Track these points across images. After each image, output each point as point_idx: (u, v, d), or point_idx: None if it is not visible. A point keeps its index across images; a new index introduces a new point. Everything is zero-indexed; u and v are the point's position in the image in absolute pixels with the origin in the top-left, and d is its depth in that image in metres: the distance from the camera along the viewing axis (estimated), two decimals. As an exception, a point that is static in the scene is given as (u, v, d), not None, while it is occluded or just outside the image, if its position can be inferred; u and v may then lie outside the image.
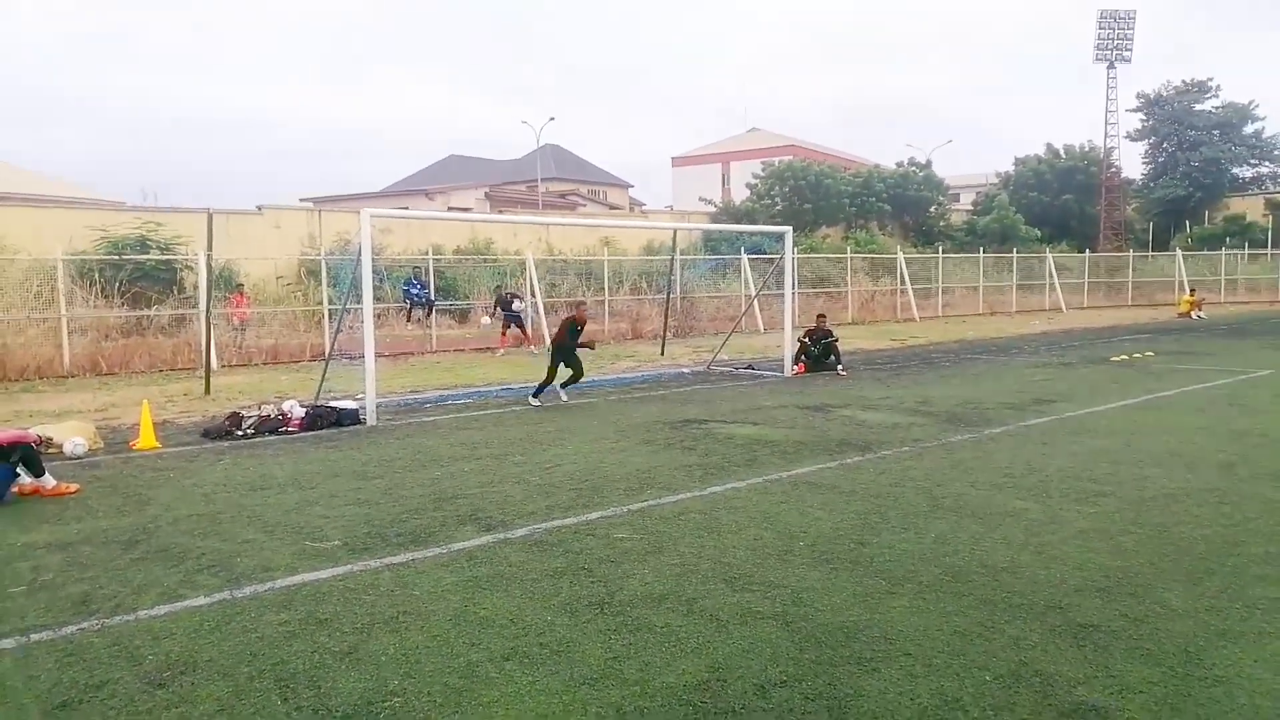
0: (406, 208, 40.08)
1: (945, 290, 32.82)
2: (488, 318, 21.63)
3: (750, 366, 16.09)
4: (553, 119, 61.95)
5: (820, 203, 45.09)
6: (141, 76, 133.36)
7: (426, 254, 23.17)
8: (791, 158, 51.77)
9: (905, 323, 28.74)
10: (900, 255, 31.71)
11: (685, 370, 15.97)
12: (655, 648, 4.06)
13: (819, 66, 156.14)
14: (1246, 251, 43.97)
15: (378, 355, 11.66)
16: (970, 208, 55.48)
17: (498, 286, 22.66)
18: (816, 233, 42.70)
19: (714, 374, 15.46)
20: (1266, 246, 46.06)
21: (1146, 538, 5.62)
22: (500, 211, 43.51)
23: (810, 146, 67.36)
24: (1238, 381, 13.31)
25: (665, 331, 20.05)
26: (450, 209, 41.49)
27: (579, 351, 12.36)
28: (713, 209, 48.56)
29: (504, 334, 20.18)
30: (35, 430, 8.41)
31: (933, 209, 50.78)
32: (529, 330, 20.63)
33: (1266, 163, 60.69)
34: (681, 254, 29.05)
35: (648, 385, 14.05)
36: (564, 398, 12.18)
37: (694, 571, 5.07)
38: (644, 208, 62.06)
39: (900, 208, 48.76)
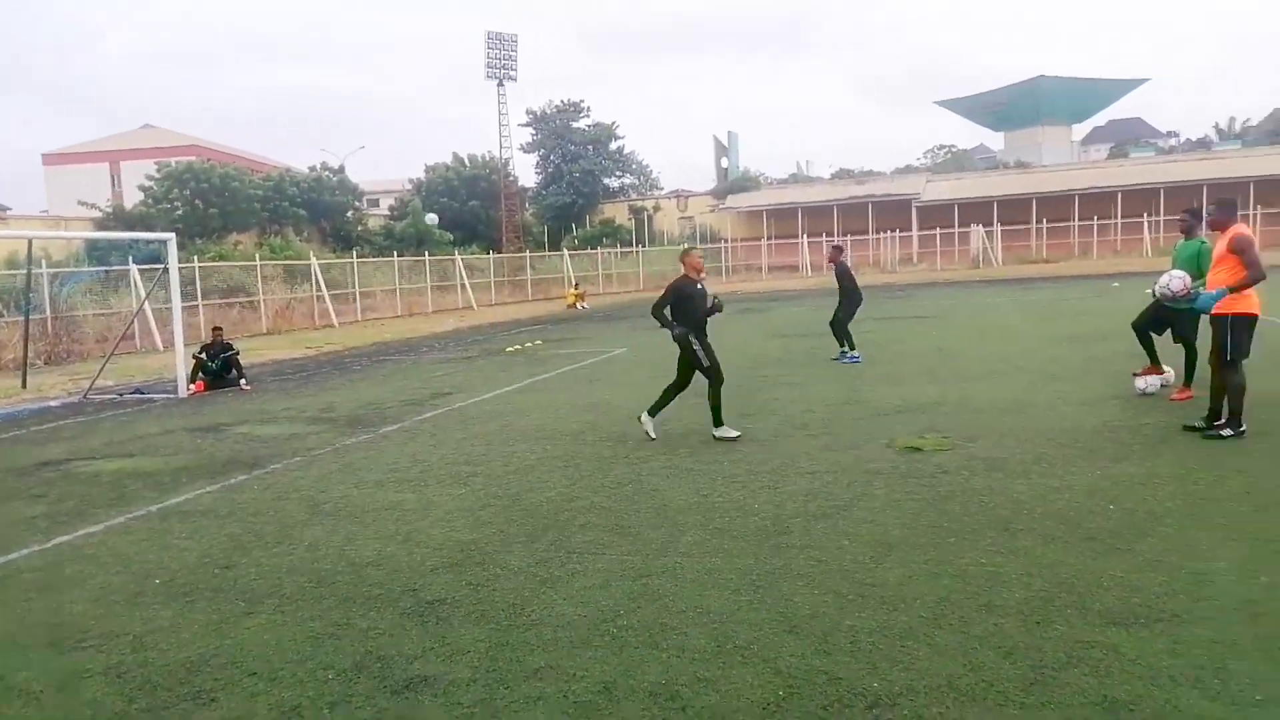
0: None
1: (365, 294, 33.16)
2: None
3: (139, 390, 14.40)
4: None
5: (229, 207, 42.33)
6: None
7: None
8: (194, 159, 47.61)
9: (324, 329, 28.38)
10: (314, 261, 31.19)
11: (53, 403, 13.66)
12: (-65, 747, 3.39)
13: (218, 64, 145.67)
14: (619, 250, 52.28)
15: None
16: (389, 213, 56.95)
17: None
18: (226, 239, 39.96)
19: (91, 403, 13.51)
20: (632, 245, 55.32)
21: (502, 508, 6.32)
22: None
23: (215, 147, 62.55)
24: (601, 360, 15.72)
25: (26, 360, 16.90)
26: None
27: None
28: (98, 214, 42.50)
29: None
30: None
31: (349, 214, 50.92)
32: None
33: (627, 174, 72.73)
34: (55, 267, 24.88)
35: (12, 421, 11.74)
36: None
37: (9, 645, 4.34)
38: (7, 213, 51.76)
39: (317, 212, 48.04)
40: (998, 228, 51.20)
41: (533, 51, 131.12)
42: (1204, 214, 8.24)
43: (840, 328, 13.61)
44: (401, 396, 12.39)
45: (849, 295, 13.77)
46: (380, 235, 49.84)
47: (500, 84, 60.19)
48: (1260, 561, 4.40)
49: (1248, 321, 6.98)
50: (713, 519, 5.70)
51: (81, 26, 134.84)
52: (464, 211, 57.09)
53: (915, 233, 55.70)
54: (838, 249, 14.71)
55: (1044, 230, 53.35)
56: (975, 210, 55.53)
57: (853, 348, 13.46)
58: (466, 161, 61.22)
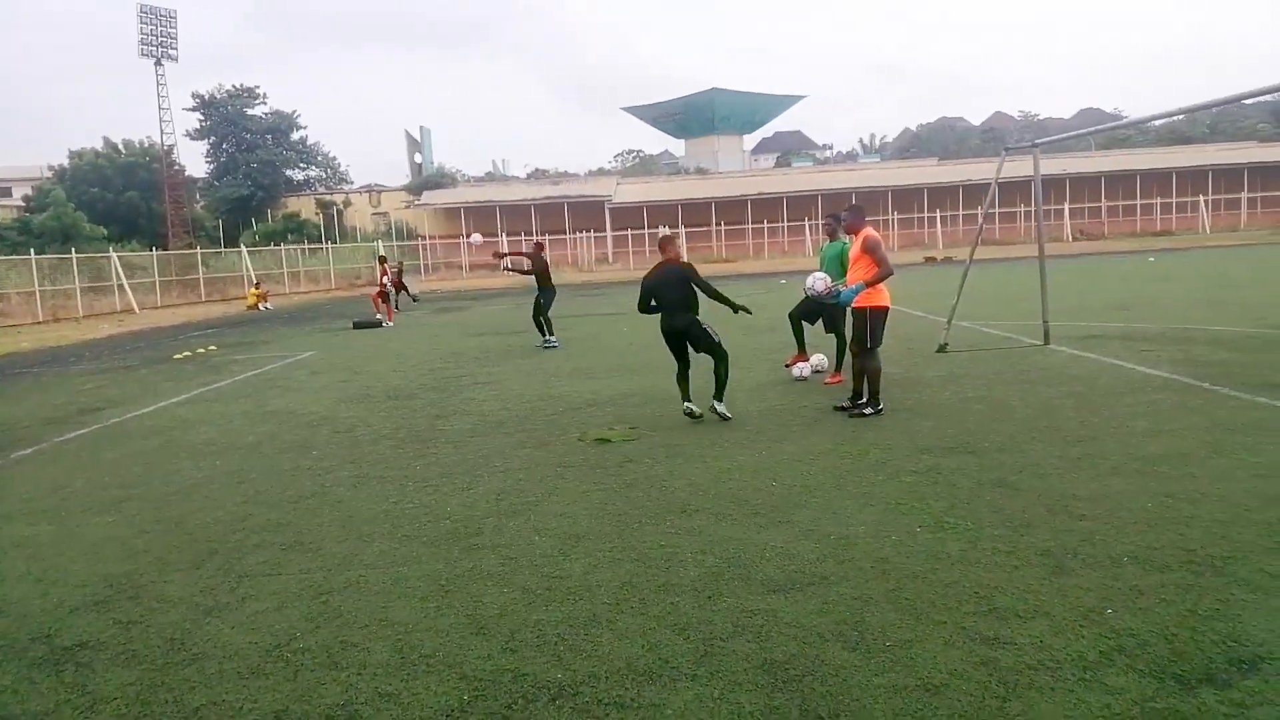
0: None
1: (-5, 298, 28.49)
2: None
3: None
4: None
5: None
6: None
7: None
8: None
9: (-60, 339, 23.97)
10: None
11: None
12: None
13: None
14: (307, 246, 49.23)
15: None
16: (22, 203, 49.35)
17: None
18: None
19: None
20: (320, 241, 52.35)
21: (162, 534, 5.67)
22: None
23: None
24: (285, 364, 14.69)
25: None
26: None
27: None
28: None
29: None
30: None
31: (-31, 204, 43.50)
32: None
33: (314, 167, 68.81)
34: None
35: None
36: None
37: None
38: None
39: (-77, 201, 40.45)
40: (682, 229, 54.70)
41: (194, 30, 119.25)
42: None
43: (542, 316, 14.83)
44: (40, 414, 10.76)
45: (546, 289, 14.92)
46: (14, 229, 43.02)
47: (158, 63, 54.43)
48: (890, 524, 5.04)
49: (882, 313, 7.99)
50: (401, 526, 5.51)
51: None
52: (120, 203, 50.90)
53: (610, 233, 58.01)
54: (539, 245, 15.54)
55: (723, 232, 57.87)
56: (662, 212, 59.00)
57: (552, 333, 14.86)
58: (121, 148, 54.61)
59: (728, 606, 4.01)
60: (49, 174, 54.96)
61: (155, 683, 3.65)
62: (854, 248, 8.09)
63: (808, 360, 10.27)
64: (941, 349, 11.43)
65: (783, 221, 58.84)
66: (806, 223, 56.61)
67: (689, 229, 55.59)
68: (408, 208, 65.25)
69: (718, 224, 57.99)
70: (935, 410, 8.00)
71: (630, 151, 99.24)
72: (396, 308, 25.15)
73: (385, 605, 4.28)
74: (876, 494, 5.61)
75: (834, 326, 9.90)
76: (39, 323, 28.50)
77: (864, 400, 8.01)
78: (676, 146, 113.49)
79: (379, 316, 21.84)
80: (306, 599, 4.44)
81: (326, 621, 4.16)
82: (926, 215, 58.84)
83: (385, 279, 22.77)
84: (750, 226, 59.15)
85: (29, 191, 51.89)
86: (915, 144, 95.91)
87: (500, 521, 5.48)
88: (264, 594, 4.55)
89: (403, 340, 17.98)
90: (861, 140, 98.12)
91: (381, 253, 31.34)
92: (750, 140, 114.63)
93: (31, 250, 32.33)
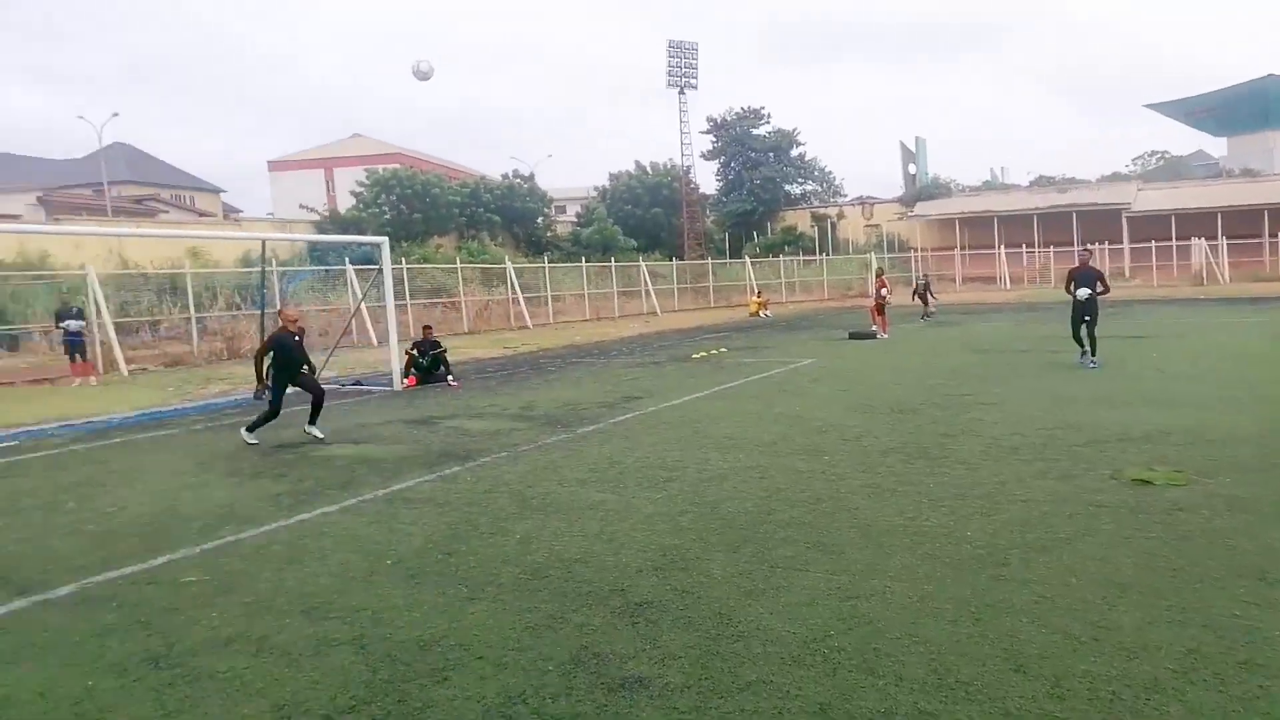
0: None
1: (555, 298, 34.42)
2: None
3: (358, 383, 15.59)
4: (116, 115, 54.73)
5: (430, 212, 45.03)
6: None
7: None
8: (398, 166, 51.04)
9: (519, 330, 29.68)
10: (510, 265, 32.68)
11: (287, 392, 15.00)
12: (215, 696, 3.80)
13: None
14: (801, 258, 51.63)
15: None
16: (575, 219, 58.82)
17: (63, 303, 19.37)
18: (429, 243, 42.55)
19: (318, 392, 14.73)
20: (815, 253, 54.48)
21: (700, 515, 6.38)
22: (57, 219, 37.63)
23: (416, 154, 66.81)
24: (788, 370, 15.57)
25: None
26: (-9, 216, 35.02)
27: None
28: (316, 217, 46.32)
29: (73, 361, 17.57)
30: None
31: (539, 220, 52.94)
32: (89, 356, 18.09)
33: (810, 181, 71.74)
34: (283, 265, 27.33)
35: (241, 410, 13.03)
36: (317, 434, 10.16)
37: (269, 608, 4.81)
38: (239, 215, 57.45)
39: (510, 218, 50.25)
40: (1223, 241, 46.70)
41: (712, 58, 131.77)
42: None
43: (1087, 332, 13.88)
44: (595, 398, 12.76)
45: (1090, 302, 13.98)
46: (569, 241, 51.58)
47: (681, 92, 60.88)
48: None
49: None
50: (921, 544, 5.51)
51: (295, 43, 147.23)
52: (647, 219, 58.09)
53: (1126, 245, 51.74)
54: (1087, 252, 15.47)
55: (1279, 245, 48.17)
56: (1195, 222, 50.86)
57: (1095, 352, 13.92)
58: (649, 169, 62.30)
59: (1337, 704, 3.35)
60: (594, 193, 64.80)
61: (711, 650, 4.11)
62: None
63: None
64: None
65: (1371, 233, 47.17)
66: None
67: (1231, 240, 47.27)
68: (900, 219, 64.93)
69: (1272, 235, 48.37)
70: None
71: (1153, 153, 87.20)
72: (924, 318, 25.52)
73: (914, 621, 4.32)
74: None
75: None
76: (586, 320, 33.81)
77: None
78: (1214, 146, 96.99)
79: (874, 328, 22.08)
80: (835, 600, 4.66)
81: (857, 625, 4.32)
82: None
83: (884, 290, 22.92)
84: (1321, 238, 48.39)
85: (579, 209, 61.93)
86: None
87: (1027, 555, 5.20)
88: (795, 587, 4.87)
89: (899, 353, 17.96)
90: None
91: (878, 265, 31.63)
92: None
93: (583, 259, 38.44)
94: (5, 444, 10.75)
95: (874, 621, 4.35)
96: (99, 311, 19.29)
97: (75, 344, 17.64)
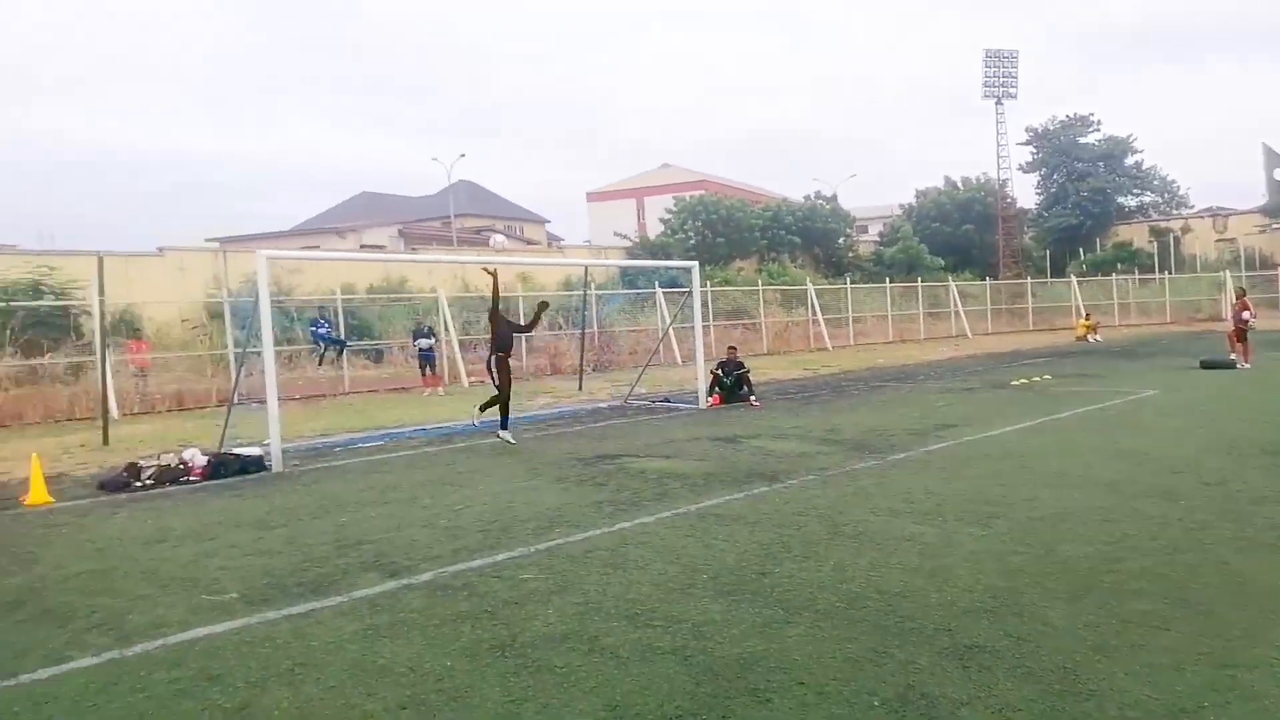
0: (317, 246, 39.37)
1: (856, 319, 33.73)
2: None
3: (666, 400, 16.24)
4: (463, 155, 62.02)
5: (733, 236, 46.00)
6: (33, 116, 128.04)
7: (334, 294, 22.77)
8: (703, 192, 52.70)
9: (818, 352, 29.41)
10: (810, 286, 32.51)
11: (603, 405, 16.04)
12: (554, 689, 4.06)
13: (721, 102, 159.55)
14: (1137, 276, 46.40)
15: (287, 399, 11.42)
16: (877, 239, 57.31)
17: (418, 323, 22.16)
18: (730, 266, 43.48)
19: (631, 408, 15.56)
20: (1154, 271, 48.71)
21: (1034, 557, 5.87)
22: (414, 249, 43.12)
23: (720, 181, 68.60)
24: (1127, 402, 13.99)
25: (582, 366, 20.10)
26: (363, 247, 40.91)
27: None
28: (628, 244, 49.04)
29: (424, 374, 19.98)
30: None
31: (841, 240, 52.21)
32: (438, 369, 20.41)
33: (1148, 192, 64.36)
34: (599, 289, 29.22)
35: (564, 421, 14.06)
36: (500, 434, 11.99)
37: (598, 610, 5.09)
38: (561, 243, 62.34)
39: (810, 239, 50.02)
40: None
41: (1031, 66, 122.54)
42: None
43: None
44: (904, 425, 12.27)
45: None
46: (870, 261, 50.36)
47: (998, 102, 57.27)
48: None
49: None
50: (1320, 611, 4.66)
51: (612, 82, 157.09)
52: (956, 236, 55.18)
53: None
54: None
55: None
56: None
57: None
58: (959, 184, 59.19)
59: None
60: (899, 211, 62.72)
61: (1056, 707, 3.73)
62: None
63: None
64: None
65: None
66: None
67: None
68: (1261, 232, 56.23)
69: None
70: None
71: None
72: None
73: (1316, 702, 3.65)
74: None
75: None
76: (889, 342, 32.78)
77: None
78: None
79: (1233, 357, 19.25)
80: (1207, 666, 4.06)
81: (1237, 698, 3.73)
82: None
83: (1245, 313, 19.92)
84: None
85: (882, 228, 60.22)
86: None
87: None
88: (1154, 647, 4.31)
89: (1267, 386, 15.50)
90: None
91: (1238, 285, 27.62)
92: None
93: (887, 279, 37.35)
94: (375, 443, 12.41)
95: (1260, 697, 3.73)
96: (446, 330, 21.78)
97: (427, 358, 20.01)
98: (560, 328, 26.31)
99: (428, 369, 20.05)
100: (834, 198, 55.90)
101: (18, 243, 27.61)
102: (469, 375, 21.64)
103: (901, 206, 62.43)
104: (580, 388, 18.73)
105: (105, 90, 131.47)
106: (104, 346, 15.08)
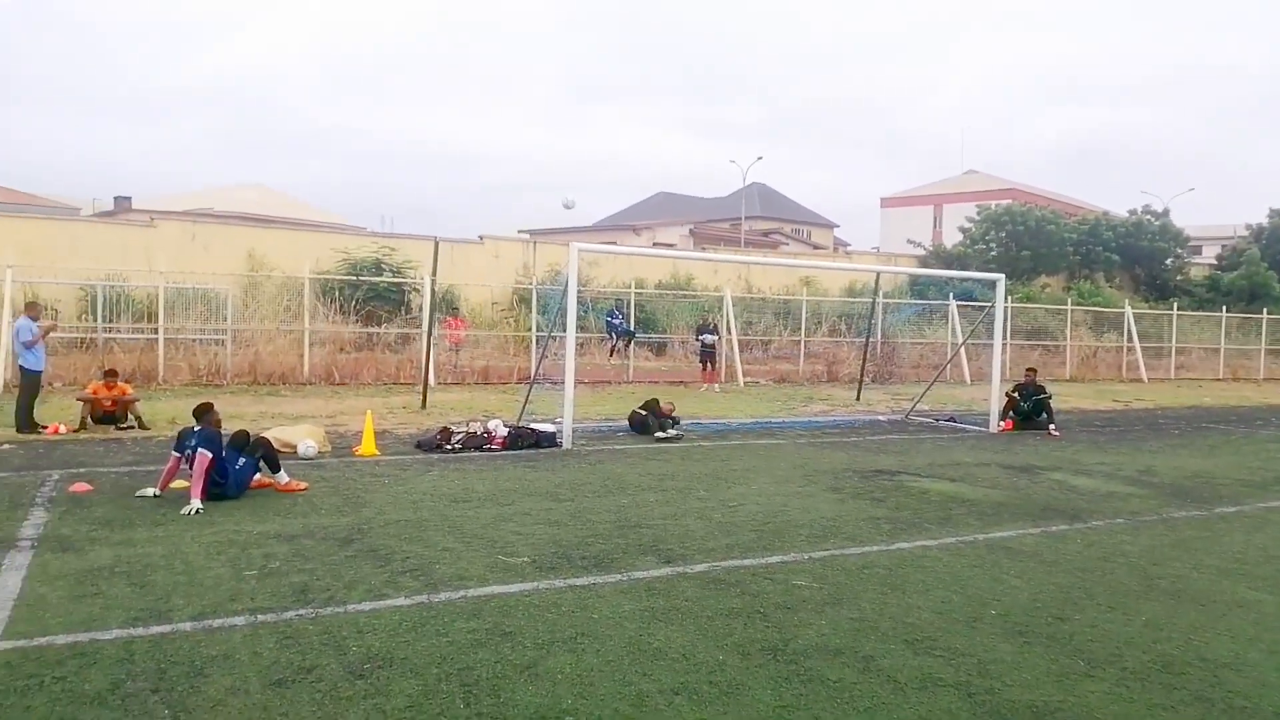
0: (614, 242, 41.47)
1: (1180, 350, 30.01)
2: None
3: (952, 419, 15.38)
4: (760, 158, 62.15)
5: (1040, 250, 42.55)
6: (387, 114, 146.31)
7: (629, 287, 23.86)
8: (1011, 202, 49.34)
9: (1131, 383, 26.50)
10: (1129, 309, 29.33)
11: (881, 418, 15.50)
12: (826, 702, 3.97)
13: (1038, 108, 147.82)
14: None
15: (578, 382, 12.14)
16: (1213, 262, 50.60)
17: (703, 319, 22.64)
18: (1034, 281, 40.28)
19: (912, 424, 14.91)
20: None
21: None
22: (703, 248, 44.22)
23: (1031, 190, 63.82)
24: None
25: (862, 376, 19.55)
26: (656, 244, 42.54)
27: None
28: (921, 252, 46.99)
29: (704, 368, 20.41)
30: (273, 431, 9.44)
31: (1169, 261, 46.65)
32: (719, 366, 20.73)
33: None
34: (885, 297, 28.28)
35: (840, 430, 13.75)
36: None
37: (873, 629, 4.91)
38: (848, 248, 61.12)
39: (1131, 259, 45.12)
40: None
41: None
42: None
43: None
44: (1236, 474, 10.72)
45: None
46: (1203, 286, 44.47)
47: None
48: None
49: None
50: None
51: (917, 80, 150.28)
52: (1318, 263, 47.29)
53: None
54: None
55: None
56: None
57: None
58: (1331, 204, 50.61)
59: None
60: (1244, 232, 54.83)
61: None
62: None
63: None
64: None
65: None
66: None
67: None
68: None
69: None
70: None
71: None
72: None
73: None
74: None
75: None
76: (1219, 379, 28.83)
77: None
78: None
79: None
80: None
81: None
82: None
83: None
84: None
85: (1220, 250, 52.87)
86: None
87: None
88: None
89: None
90: None
91: None
92: None
93: (1223, 308, 32.84)
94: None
95: None
96: (729, 328, 22.09)
97: (708, 354, 20.42)
98: (841, 334, 25.77)
99: (708, 364, 20.45)
100: (1165, 213, 49.98)
101: (365, 225, 31.65)
102: (745, 375, 21.80)
103: (1249, 227, 54.54)
104: (858, 398, 18.23)
105: (440, 93, 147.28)
106: (431, 321, 16.90)
